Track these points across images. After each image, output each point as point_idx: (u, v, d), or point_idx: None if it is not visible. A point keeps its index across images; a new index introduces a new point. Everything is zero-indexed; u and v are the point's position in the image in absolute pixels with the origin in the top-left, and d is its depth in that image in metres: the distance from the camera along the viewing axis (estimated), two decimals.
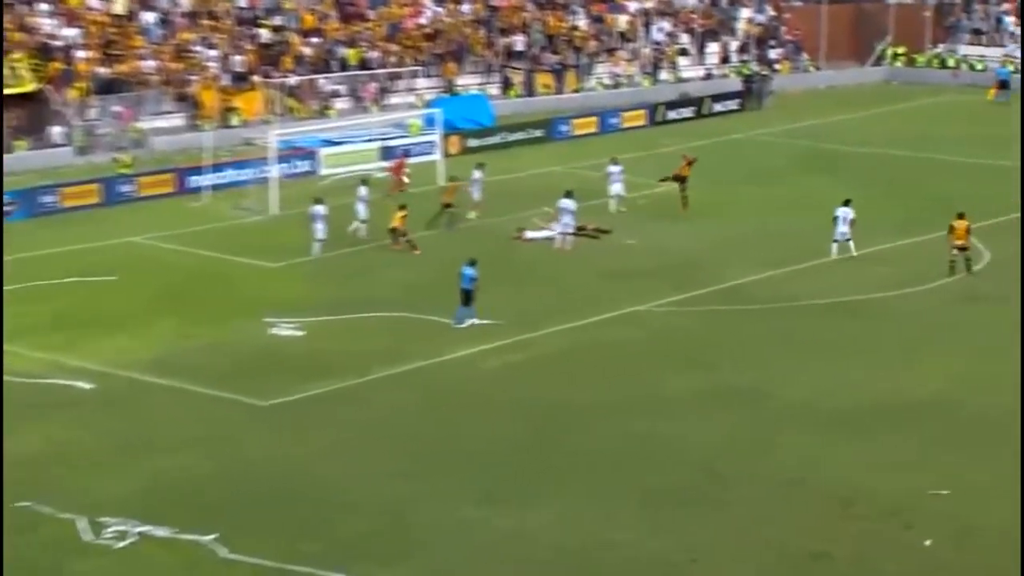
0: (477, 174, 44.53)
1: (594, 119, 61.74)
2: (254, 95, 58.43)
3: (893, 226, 42.22)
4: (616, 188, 45.04)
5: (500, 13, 69.02)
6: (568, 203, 40.45)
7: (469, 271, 33.44)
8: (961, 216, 37.53)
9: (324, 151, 52.88)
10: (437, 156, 51.83)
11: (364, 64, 63.27)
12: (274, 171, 47.02)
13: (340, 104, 61.58)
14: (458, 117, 59.64)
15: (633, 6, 73.02)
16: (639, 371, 30.70)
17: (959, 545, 22.54)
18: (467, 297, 33.41)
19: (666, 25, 73.55)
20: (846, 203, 39.45)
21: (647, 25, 72.52)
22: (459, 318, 33.28)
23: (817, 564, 21.93)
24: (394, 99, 62.71)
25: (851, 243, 39.10)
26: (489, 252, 40.09)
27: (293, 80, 60.24)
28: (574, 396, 29.04)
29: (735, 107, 67.13)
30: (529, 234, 41.64)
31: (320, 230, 39.93)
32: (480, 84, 66.07)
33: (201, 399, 29.01)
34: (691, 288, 36.47)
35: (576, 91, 67.86)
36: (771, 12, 78.33)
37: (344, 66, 62.85)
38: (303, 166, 51.82)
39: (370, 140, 54.13)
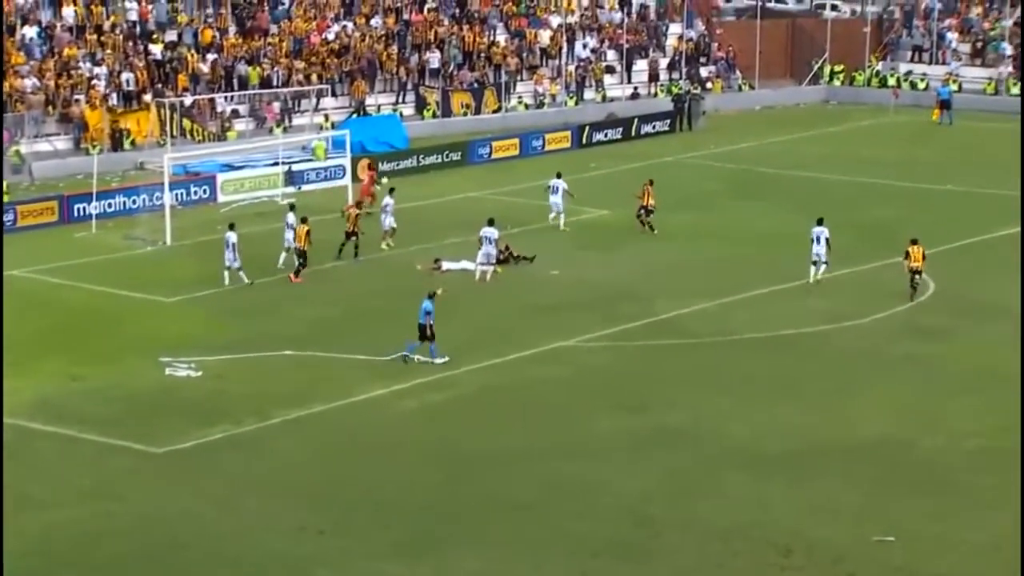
0: (388, 200, 44.51)
1: (515, 141, 62.04)
2: (146, 116, 58.00)
3: (832, 254, 42.67)
4: (556, 200, 46.68)
5: (413, 28, 69.20)
6: (490, 231, 40.61)
7: (427, 304, 33.74)
8: (915, 242, 38.35)
9: (223, 176, 52.63)
10: (346, 181, 51.82)
11: (266, 82, 63.10)
12: (168, 198, 46.74)
13: (240, 125, 61.34)
14: (369, 139, 59.71)
15: (556, 21, 73.52)
16: (565, 412, 30.81)
17: None
18: (421, 332, 33.63)
19: (591, 41, 74.15)
20: (820, 222, 39.98)
21: (571, 41, 73.03)
22: (409, 349, 33.68)
23: None
24: (299, 120, 62.60)
25: (824, 266, 39.85)
26: (402, 284, 40.18)
27: (189, 100, 59.92)
28: (496, 439, 29.08)
29: (665, 128, 67.81)
30: (446, 264, 41.73)
31: (231, 258, 39.95)
32: (393, 104, 66.17)
33: (90, 447, 28.70)
34: (620, 322, 36.71)
35: (496, 111, 68.19)
36: (702, 28, 79.22)
37: (244, 84, 62.65)
38: (200, 192, 51.54)
39: (274, 164, 53.93)
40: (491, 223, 41.01)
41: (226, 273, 39.98)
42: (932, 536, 24.78)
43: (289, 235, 41.61)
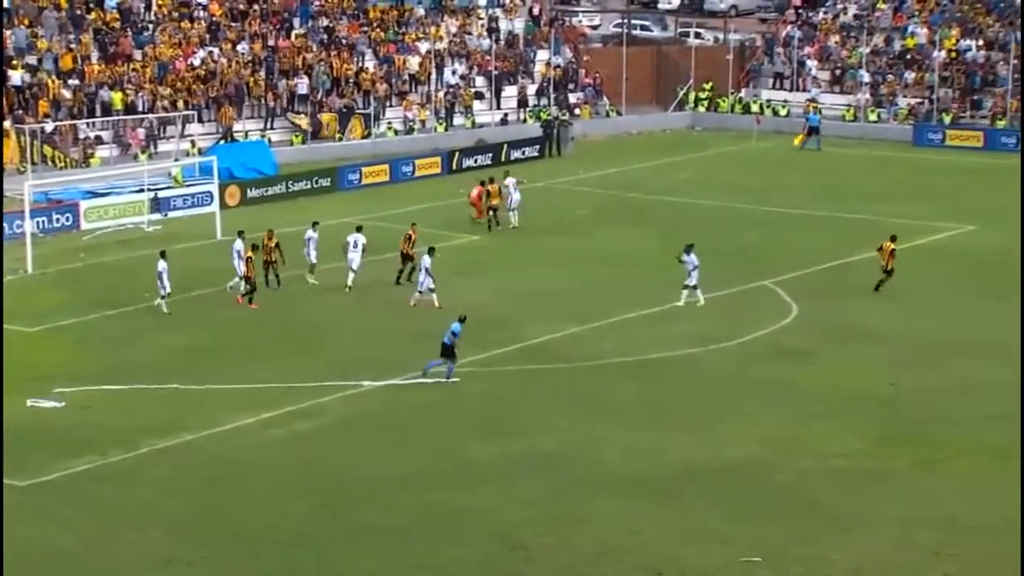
0: (310, 233, 43.65)
1: (385, 167, 62.02)
2: (6, 142, 56.90)
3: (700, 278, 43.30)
4: (516, 198, 49.86)
5: (280, 54, 68.83)
6: (426, 259, 40.35)
7: (456, 326, 34.01)
8: (893, 238, 41.66)
9: (86, 203, 51.82)
10: (214, 207, 51.31)
11: (131, 108, 62.32)
12: (29, 226, 45.91)
13: (104, 152, 60.47)
14: (237, 165, 59.23)
15: (424, 47, 73.65)
16: (437, 438, 30.78)
17: None
18: (444, 351, 33.92)
19: (460, 68, 74.37)
20: (688, 249, 40.66)
21: (439, 68, 73.21)
22: (428, 367, 34.15)
23: None
24: (166, 146, 61.88)
25: (699, 291, 40.56)
26: (279, 310, 39.94)
27: (50, 126, 58.94)
28: (366, 467, 28.92)
29: (535, 154, 68.23)
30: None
31: (165, 286, 39.63)
32: (260, 130, 65.74)
33: None
34: (492, 347, 36.76)
35: (365, 137, 68.06)
36: (569, 55, 79.89)
37: (108, 111, 61.79)
38: (63, 220, 50.69)
39: (139, 191, 53.23)
40: (431, 252, 40.79)
41: (162, 302, 39.98)
42: (798, 557, 25.11)
43: (312, 252, 42.95)
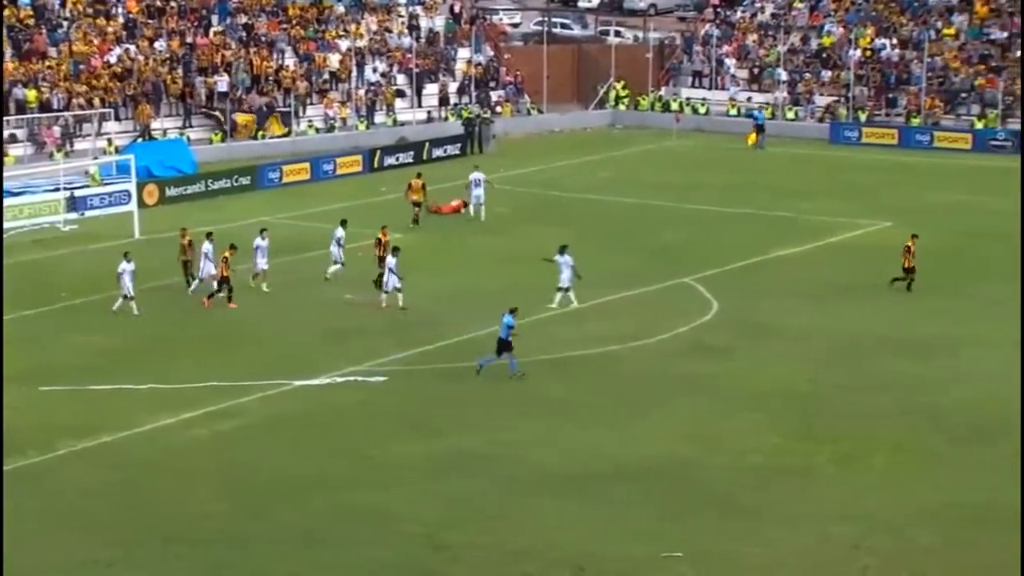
0: (259, 241, 42.59)
1: (306, 165, 61.75)
2: None
3: (617, 277, 43.50)
4: (478, 193, 50.90)
5: (199, 51, 68.27)
6: (391, 260, 40.10)
7: (508, 319, 33.83)
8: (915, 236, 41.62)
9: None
10: (132, 207, 50.81)
11: (46, 106, 61.54)
12: None
13: (18, 150, 59.65)
14: (155, 163, 58.73)
15: (345, 45, 73.37)
16: (358, 438, 30.69)
17: None
18: (501, 346, 33.82)
19: (380, 65, 74.17)
20: (563, 250, 40.45)
21: (360, 65, 72.97)
22: (482, 363, 34.08)
23: None
24: (82, 144, 61.18)
25: (571, 293, 40.24)
26: (196, 311, 39.68)
27: None
28: (286, 468, 28.76)
29: (456, 152, 68.20)
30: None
31: (128, 287, 39.18)
32: (179, 128, 65.17)
33: None
34: (413, 345, 36.74)
35: (285, 135, 67.66)
36: (490, 52, 79.94)
37: (22, 108, 60.98)
38: None
39: (55, 190, 52.59)
40: (395, 251, 40.64)
41: (133, 304, 39.56)
42: (718, 553, 25.28)
43: (336, 251, 42.85)
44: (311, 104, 70.38)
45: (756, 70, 79.19)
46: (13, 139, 59.92)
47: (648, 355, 36.69)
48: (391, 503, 27.14)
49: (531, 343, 37.02)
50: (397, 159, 65.28)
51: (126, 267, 39.15)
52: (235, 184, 58.46)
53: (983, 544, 25.56)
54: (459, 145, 68.78)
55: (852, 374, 34.97)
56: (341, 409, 32.49)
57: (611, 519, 26.65)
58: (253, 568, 24.30)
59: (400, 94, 73.71)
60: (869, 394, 33.55)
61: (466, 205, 53.13)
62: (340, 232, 43.26)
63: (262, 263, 41.98)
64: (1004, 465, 28.97)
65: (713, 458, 29.72)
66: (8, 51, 63.40)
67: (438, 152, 67.29)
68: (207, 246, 41.31)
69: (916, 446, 30.36)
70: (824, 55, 78.15)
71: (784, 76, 77.42)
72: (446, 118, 73.80)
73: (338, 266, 42.93)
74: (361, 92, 72.01)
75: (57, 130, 60.94)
